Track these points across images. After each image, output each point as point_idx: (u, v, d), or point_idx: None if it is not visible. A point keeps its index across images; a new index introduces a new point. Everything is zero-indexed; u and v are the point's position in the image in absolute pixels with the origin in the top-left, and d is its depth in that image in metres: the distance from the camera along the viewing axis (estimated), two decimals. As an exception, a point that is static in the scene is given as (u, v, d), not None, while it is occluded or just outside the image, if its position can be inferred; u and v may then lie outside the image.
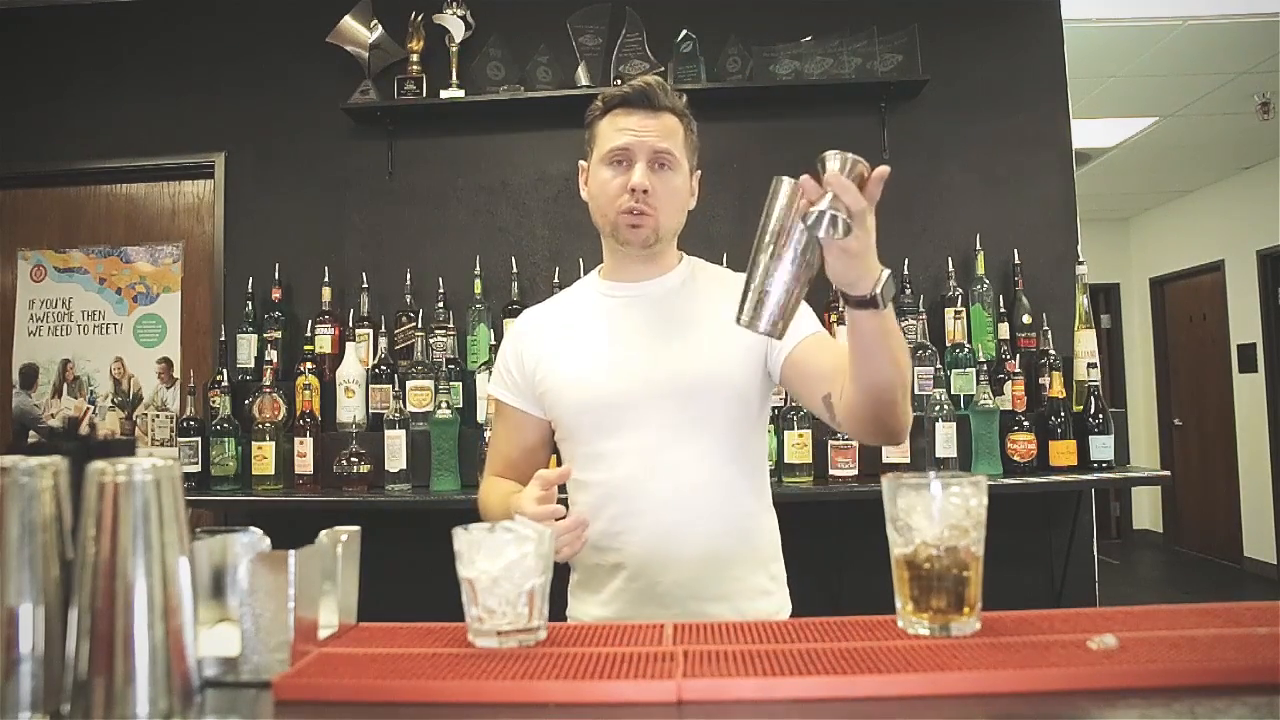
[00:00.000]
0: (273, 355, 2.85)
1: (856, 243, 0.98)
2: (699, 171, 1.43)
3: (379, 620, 0.95)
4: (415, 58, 3.03)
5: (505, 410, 1.48)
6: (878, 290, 1.03)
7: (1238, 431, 6.21)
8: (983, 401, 2.61)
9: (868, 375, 1.14)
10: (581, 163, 1.44)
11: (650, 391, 1.32)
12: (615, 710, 0.71)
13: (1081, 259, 2.88)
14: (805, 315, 1.32)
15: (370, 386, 2.79)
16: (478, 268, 2.93)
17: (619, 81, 2.94)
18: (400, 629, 0.93)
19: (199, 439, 2.76)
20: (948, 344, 2.74)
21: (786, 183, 1.01)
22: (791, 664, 0.75)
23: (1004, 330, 2.83)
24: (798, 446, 2.57)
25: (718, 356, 1.34)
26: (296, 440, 2.69)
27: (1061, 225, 2.96)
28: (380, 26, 3.04)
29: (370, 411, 2.77)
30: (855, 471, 2.56)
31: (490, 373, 2.65)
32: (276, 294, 2.98)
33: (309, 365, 2.80)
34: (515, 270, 2.92)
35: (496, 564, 0.83)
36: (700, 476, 1.32)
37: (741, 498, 1.36)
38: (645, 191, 1.31)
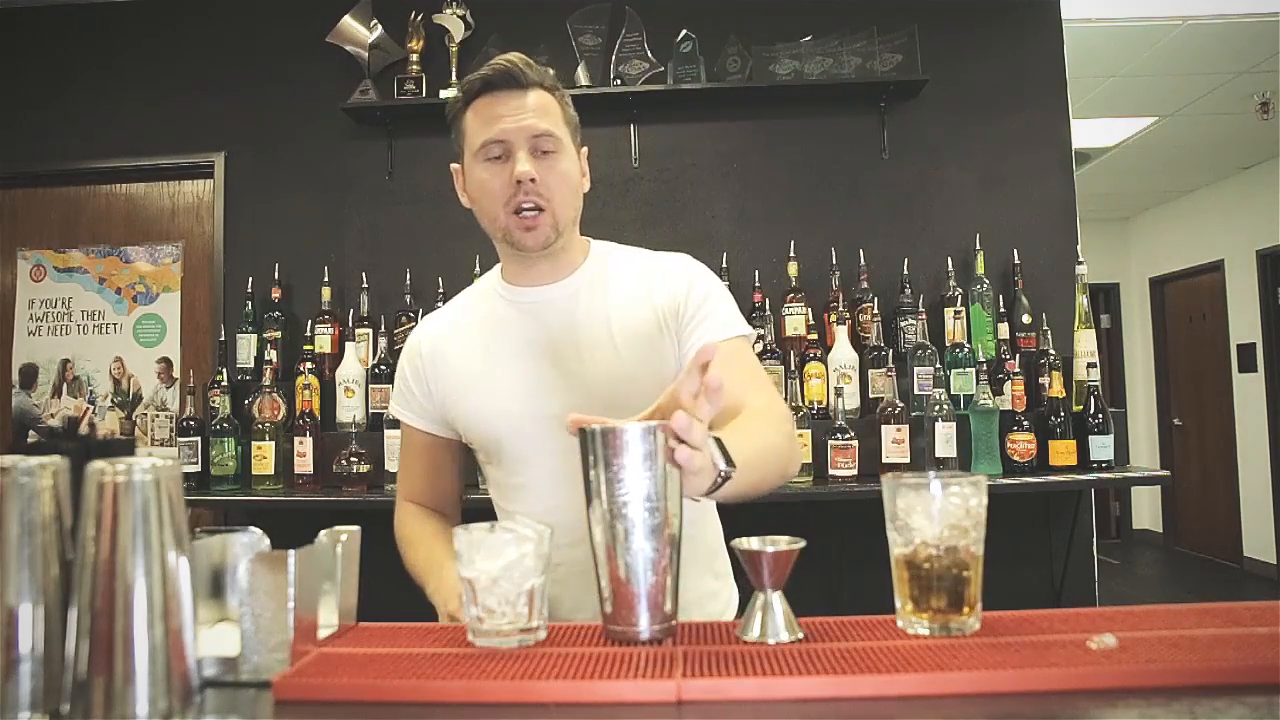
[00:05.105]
0: (272, 355, 2.85)
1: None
2: (585, 148, 1.29)
3: (379, 620, 0.95)
4: (415, 57, 3.03)
5: (410, 433, 1.34)
6: (720, 473, 0.89)
7: (1238, 431, 6.21)
8: (982, 401, 2.61)
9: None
10: (454, 166, 1.29)
11: (569, 411, 1.13)
12: (615, 710, 0.71)
13: (1081, 259, 2.88)
14: (720, 315, 1.21)
15: (370, 386, 2.79)
16: (477, 268, 2.92)
17: (619, 81, 2.96)
18: (400, 629, 0.93)
19: (199, 439, 2.77)
20: (947, 344, 2.74)
21: (630, 430, 0.86)
22: (791, 664, 0.75)
23: (1004, 330, 2.83)
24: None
25: (637, 360, 1.21)
26: (296, 440, 2.69)
27: (1061, 225, 2.96)
28: (380, 26, 3.04)
29: (370, 411, 2.77)
30: (855, 471, 2.56)
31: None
32: (276, 294, 2.99)
33: (309, 365, 2.80)
34: (515, 270, 2.92)
35: (496, 564, 0.83)
36: None
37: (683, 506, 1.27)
38: (533, 181, 1.18)
